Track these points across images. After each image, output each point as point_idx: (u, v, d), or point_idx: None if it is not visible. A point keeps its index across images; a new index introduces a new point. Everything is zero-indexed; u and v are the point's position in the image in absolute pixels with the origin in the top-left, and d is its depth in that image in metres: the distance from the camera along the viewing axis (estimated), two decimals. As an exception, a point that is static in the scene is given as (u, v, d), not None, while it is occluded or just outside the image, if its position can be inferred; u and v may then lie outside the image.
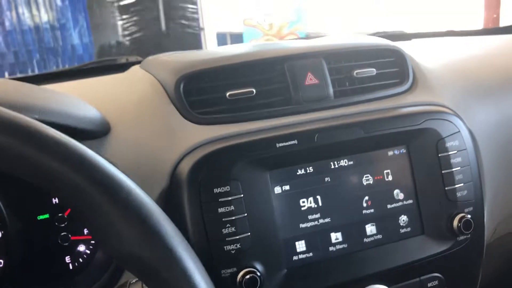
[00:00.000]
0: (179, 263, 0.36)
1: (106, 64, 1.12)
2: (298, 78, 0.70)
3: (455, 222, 0.68)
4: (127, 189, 0.37)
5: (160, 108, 0.67)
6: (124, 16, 6.80)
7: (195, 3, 5.93)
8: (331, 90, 0.71)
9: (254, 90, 0.68)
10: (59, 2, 6.74)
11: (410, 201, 0.69)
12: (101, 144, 0.63)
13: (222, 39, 7.56)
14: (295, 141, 0.64)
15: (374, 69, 0.74)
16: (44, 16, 6.58)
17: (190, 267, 0.37)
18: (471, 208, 0.70)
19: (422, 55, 0.91)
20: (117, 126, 0.65)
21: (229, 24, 7.83)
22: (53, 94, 0.63)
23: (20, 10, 6.38)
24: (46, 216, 0.66)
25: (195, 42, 6.40)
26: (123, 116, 0.67)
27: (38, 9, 6.60)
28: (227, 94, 0.67)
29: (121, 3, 6.71)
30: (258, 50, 0.72)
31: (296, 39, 0.95)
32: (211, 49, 0.83)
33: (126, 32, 6.90)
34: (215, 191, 0.60)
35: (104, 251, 0.66)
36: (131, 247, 0.36)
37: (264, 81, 0.69)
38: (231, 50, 0.75)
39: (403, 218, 0.69)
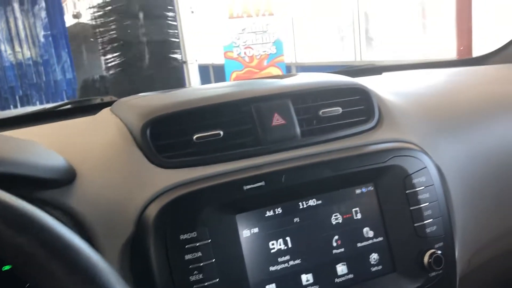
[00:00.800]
0: None
1: (79, 106, 1.11)
2: (265, 119, 0.70)
3: (426, 259, 0.68)
4: (75, 248, 0.36)
5: (127, 153, 0.67)
6: (108, 51, 6.86)
7: (177, 37, 6.00)
8: (298, 130, 0.72)
9: (222, 132, 0.68)
10: (42, 39, 6.76)
11: (380, 239, 0.69)
12: (65, 193, 0.62)
13: (205, 71, 7.65)
14: (263, 183, 0.64)
15: (340, 108, 0.75)
16: (27, 53, 6.59)
17: None
18: (441, 244, 0.70)
19: (390, 90, 0.93)
20: (82, 173, 0.65)
21: (212, 56, 7.93)
22: (14, 143, 0.63)
23: (2, 47, 6.39)
24: (10, 267, 0.65)
25: (178, 75, 6.45)
26: (89, 162, 0.66)
27: (20, 46, 6.61)
28: (194, 137, 0.67)
29: (105, 39, 6.78)
30: (226, 92, 0.73)
31: (266, 78, 0.96)
32: (180, 91, 0.83)
33: (109, 67, 6.94)
34: (181, 238, 0.59)
35: None
36: None
37: (232, 123, 0.70)
38: (199, 92, 0.75)
39: (374, 256, 0.68)
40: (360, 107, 0.77)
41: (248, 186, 0.63)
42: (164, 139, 0.67)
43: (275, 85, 0.76)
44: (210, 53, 7.99)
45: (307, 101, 0.74)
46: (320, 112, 0.74)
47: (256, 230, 0.64)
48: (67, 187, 0.63)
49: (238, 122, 0.70)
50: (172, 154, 0.66)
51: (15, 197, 0.37)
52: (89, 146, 0.70)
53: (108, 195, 0.63)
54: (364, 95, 0.78)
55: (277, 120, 0.71)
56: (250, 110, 0.71)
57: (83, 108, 1.09)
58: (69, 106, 1.11)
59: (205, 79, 7.49)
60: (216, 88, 0.80)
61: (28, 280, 0.35)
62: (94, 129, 0.77)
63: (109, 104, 0.93)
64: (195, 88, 0.85)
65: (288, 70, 5.54)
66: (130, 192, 0.63)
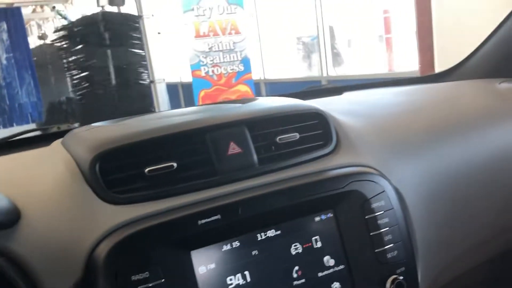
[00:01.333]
0: None
1: (33, 136, 1.07)
2: (220, 149, 0.69)
3: (388, 285, 0.67)
4: None
5: (75, 190, 0.64)
6: (74, 73, 6.75)
7: (144, 57, 5.96)
8: (255, 158, 0.70)
9: (175, 164, 0.66)
10: (4, 61, 6.60)
11: (341, 267, 0.68)
12: (7, 236, 0.58)
13: (174, 89, 7.61)
14: (218, 216, 0.62)
15: (297, 134, 0.74)
16: (-11, 76, 6.41)
17: None
18: (403, 269, 0.69)
19: (349, 111, 0.93)
20: (27, 213, 0.61)
21: (180, 75, 7.91)
22: None
23: (-37, 71, 6.21)
24: None
25: (145, 95, 6.39)
26: (35, 202, 0.63)
27: (-18, 68, 6.43)
28: (146, 170, 0.65)
29: (71, 60, 6.68)
30: (180, 122, 0.71)
31: (226, 102, 0.95)
32: (135, 120, 0.81)
33: (76, 88, 6.82)
34: (132, 279, 0.56)
35: None
36: None
37: (185, 153, 0.68)
38: (153, 122, 0.73)
39: (336, 286, 0.67)
40: (317, 131, 0.77)
41: (203, 221, 0.61)
42: (115, 173, 0.65)
43: (231, 112, 0.75)
44: (178, 72, 7.98)
45: (264, 127, 0.73)
46: (277, 139, 0.72)
47: (212, 265, 0.61)
48: (10, 230, 0.59)
49: (192, 152, 0.68)
50: (123, 189, 0.64)
51: None
52: (36, 183, 0.67)
53: (54, 236, 0.60)
54: (321, 119, 0.77)
55: (233, 148, 0.69)
56: (205, 139, 0.69)
57: (38, 138, 1.05)
58: (22, 136, 1.07)
59: (174, 98, 7.45)
60: (171, 117, 0.78)
61: None
62: (43, 165, 0.73)
63: (65, 133, 0.90)
64: (150, 116, 0.82)
65: (257, 87, 5.57)
66: (78, 232, 0.60)
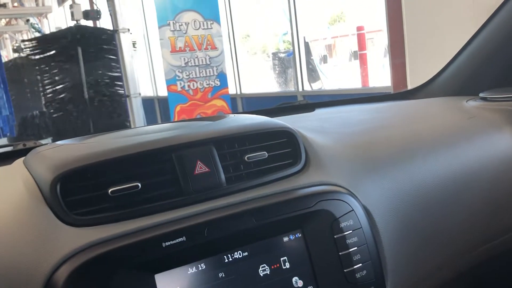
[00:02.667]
0: None
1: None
2: (187, 168, 0.67)
3: None
4: None
5: (34, 212, 0.61)
6: (47, 87, 6.63)
7: (119, 72, 5.91)
8: (223, 178, 0.69)
9: (140, 184, 0.64)
10: (-25, 75, 6.44)
11: None
12: None
13: (150, 104, 7.56)
14: (183, 238, 0.60)
15: (266, 152, 0.73)
16: (-41, 90, 6.25)
17: None
18: None
19: (319, 129, 0.93)
20: None
21: (157, 89, 7.87)
22: None
23: None
24: None
25: (120, 109, 6.33)
26: None
27: (-49, 83, 6.27)
28: (110, 190, 0.63)
29: (44, 74, 6.56)
30: (145, 141, 0.69)
31: (195, 120, 0.94)
32: (100, 138, 0.79)
33: (50, 102, 6.70)
34: None
35: None
36: None
37: (151, 173, 0.66)
38: (117, 141, 0.71)
39: (305, 307, 0.66)
40: (286, 150, 0.76)
41: (168, 243, 0.59)
42: (76, 194, 0.63)
43: (198, 130, 0.73)
44: (155, 86, 7.93)
45: (232, 146, 0.72)
46: (246, 157, 0.72)
47: None
48: None
49: (158, 172, 0.67)
50: (85, 211, 0.62)
51: None
52: None
53: (11, 261, 0.57)
54: (290, 137, 0.77)
55: (200, 168, 0.68)
56: (171, 158, 0.67)
57: (1, 155, 1.01)
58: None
59: (151, 112, 7.39)
60: (137, 135, 0.76)
61: None
62: (2, 185, 0.70)
63: (32, 148, 0.87)
64: (116, 134, 0.81)
65: (233, 102, 5.57)
66: (37, 256, 0.57)
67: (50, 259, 0.57)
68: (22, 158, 0.81)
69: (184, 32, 4.34)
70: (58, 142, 0.84)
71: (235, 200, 0.68)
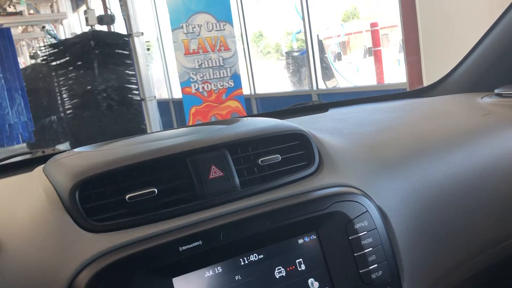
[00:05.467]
0: None
1: (17, 161, 1.06)
2: (202, 173, 0.68)
3: None
4: None
5: (54, 219, 0.63)
6: (64, 92, 6.74)
7: (134, 75, 5.97)
8: (237, 181, 0.70)
9: (156, 190, 0.65)
10: (-6, 81, 6.58)
11: None
12: None
13: (165, 106, 7.61)
14: (200, 242, 0.61)
15: (279, 155, 0.74)
16: (-22, 98, 6.38)
17: None
18: None
19: (333, 130, 0.93)
20: (5, 244, 0.60)
21: (172, 91, 7.93)
22: None
23: (-48, 92, 6.17)
24: None
25: (136, 113, 6.39)
26: (14, 232, 0.62)
27: (-29, 90, 6.41)
28: (127, 196, 0.64)
29: (61, 79, 6.67)
30: (159, 147, 0.71)
31: (209, 123, 0.95)
32: (115, 145, 0.80)
33: (67, 108, 6.80)
34: None
35: None
36: None
37: (166, 179, 0.67)
38: (133, 148, 0.73)
39: (321, 308, 0.66)
40: (300, 152, 0.77)
41: (185, 247, 0.60)
42: (95, 201, 0.64)
43: (212, 135, 0.74)
44: (169, 89, 7.99)
45: (245, 150, 0.73)
46: (259, 161, 0.72)
47: None
48: None
49: (173, 177, 0.68)
50: (103, 217, 0.63)
51: None
52: (15, 212, 0.66)
53: (33, 267, 0.59)
54: (303, 140, 0.77)
55: (215, 172, 0.69)
56: (186, 164, 0.68)
57: (22, 163, 1.04)
58: (5, 162, 1.06)
59: (166, 114, 7.45)
60: (154, 141, 0.77)
61: None
62: (23, 193, 0.72)
63: (51, 155, 0.89)
64: (133, 140, 0.82)
65: (247, 102, 5.58)
66: (57, 262, 0.59)
67: (71, 265, 0.59)
68: (42, 166, 0.83)
69: (197, 34, 4.36)
70: (76, 150, 0.86)
71: (250, 203, 0.68)
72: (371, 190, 0.75)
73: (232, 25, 4.59)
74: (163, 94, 8.02)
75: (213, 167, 0.69)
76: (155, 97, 5.42)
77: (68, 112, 6.92)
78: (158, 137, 0.83)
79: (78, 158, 0.73)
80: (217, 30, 4.45)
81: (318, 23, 5.34)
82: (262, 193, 0.70)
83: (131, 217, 0.64)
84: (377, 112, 1.14)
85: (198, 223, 0.64)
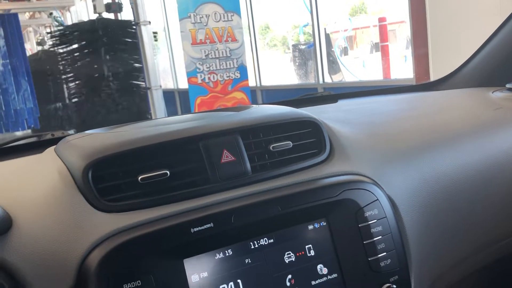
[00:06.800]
0: None
1: (27, 143, 1.07)
2: (214, 157, 0.69)
3: None
4: None
5: (67, 198, 0.63)
6: (70, 79, 6.75)
7: (140, 64, 5.97)
8: (248, 166, 0.70)
9: (168, 172, 0.66)
10: (0, 67, 6.59)
11: (335, 275, 0.67)
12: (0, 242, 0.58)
13: (170, 96, 7.61)
14: (211, 224, 0.62)
15: (290, 142, 0.74)
16: (-16, 82, 6.40)
17: None
18: (396, 277, 0.69)
19: (343, 119, 0.93)
20: (19, 221, 0.61)
21: (178, 81, 7.92)
22: None
23: (-41, 77, 6.19)
24: None
25: (142, 102, 6.39)
26: (27, 209, 0.62)
27: (-23, 75, 6.42)
28: (139, 178, 0.65)
29: (67, 66, 6.67)
30: (173, 130, 0.71)
31: (220, 110, 0.95)
32: (129, 127, 0.81)
33: (72, 94, 6.82)
34: (124, 287, 0.56)
35: None
36: None
37: (179, 161, 0.68)
38: (147, 129, 0.73)
39: (329, 294, 0.67)
40: (311, 140, 0.77)
41: (196, 229, 0.61)
42: (107, 181, 0.65)
43: (224, 120, 0.75)
44: (175, 79, 7.99)
45: (257, 136, 0.73)
46: (271, 147, 0.73)
47: (205, 274, 0.61)
48: (1, 238, 0.59)
49: (185, 160, 0.68)
50: (116, 197, 0.64)
51: None
52: (28, 191, 0.67)
53: (46, 245, 0.59)
54: (315, 127, 0.78)
55: (227, 156, 0.69)
56: (198, 147, 0.69)
57: (31, 145, 1.05)
58: (16, 143, 1.07)
59: (171, 104, 7.45)
60: (164, 125, 0.78)
61: None
62: (36, 172, 0.73)
63: (60, 138, 0.89)
64: (144, 124, 0.82)
65: (253, 94, 5.58)
66: (70, 241, 0.60)
67: (83, 243, 0.59)
68: (53, 147, 0.83)
69: (205, 24, 4.35)
70: (87, 132, 0.86)
71: (261, 188, 0.69)
72: (382, 180, 0.75)
73: (240, 16, 4.58)
74: (169, 84, 8.01)
75: (225, 151, 0.69)
76: (160, 86, 5.42)
77: (73, 99, 6.93)
78: (169, 121, 0.83)
79: (90, 139, 0.73)
80: (224, 21, 4.44)
81: (326, 17, 5.32)
82: (273, 179, 0.71)
83: (144, 198, 0.64)
84: (387, 103, 1.14)
85: (210, 206, 0.65)
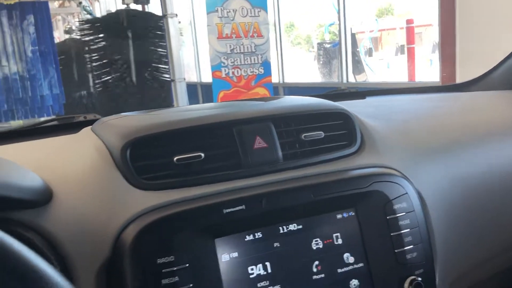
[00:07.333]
0: None
1: (60, 124, 1.10)
2: (247, 142, 0.70)
3: (406, 285, 0.68)
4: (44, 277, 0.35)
5: (105, 174, 0.66)
6: (96, 68, 6.85)
7: (165, 56, 6.03)
8: (280, 154, 0.71)
9: (203, 155, 0.68)
10: (29, 54, 6.72)
11: (361, 265, 0.68)
12: (40, 214, 0.60)
13: (193, 89, 7.67)
14: (243, 206, 0.63)
15: (322, 132, 0.75)
16: (14, 67, 6.54)
17: None
18: (421, 270, 0.70)
19: (372, 115, 0.93)
20: (59, 193, 0.63)
21: (201, 75, 7.97)
22: None
23: (-12, 61, 6.33)
24: None
25: (165, 93, 6.46)
26: (67, 183, 0.65)
27: (7, 60, 6.56)
28: (175, 158, 0.66)
29: (93, 55, 6.77)
30: (208, 114, 0.73)
31: (250, 99, 0.96)
32: (163, 111, 0.83)
33: (97, 84, 6.92)
34: (158, 262, 0.58)
35: None
36: None
37: (213, 145, 0.69)
38: (182, 113, 0.75)
39: (354, 283, 0.68)
40: (342, 131, 0.78)
41: (228, 210, 0.63)
42: (144, 160, 0.67)
43: (258, 107, 0.76)
44: (198, 72, 8.04)
45: (289, 124, 0.74)
46: (302, 136, 0.74)
47: (235, 254, 0.63)
48: (42, 208, 0.61)
49: (219, 144, 0.70)
50: (152, 176, 0.66)
51: None
52: (68, 166, 0.69)
53: (84, 217, 0.62)
54: (346, 119, 0.78)
55: (259, 143, 0.71)
56: (232, 132, 0.70)
57: (65, 126, 1.08)
58: (50, 123, 1.10)
59: (193, 97, 7.51)
60: (199, 110, 0.80)
61: None
62: (74, 149, 0.75)
63: (91, 122, 0.92)
64: (179, 109, 0.84)
65: (275, 91, 5.58)
66: (108, 214, 0.62)
67: (120, 218, 0.61)
68: (89, 127, 0.86)
69: (232, 19, 4.36)
70: (122, 114, 0.89)
71: (292, 175, 0.70)
72: (411, 174, 0.76)
73: (267, 12, 4.58)
74: (192, 78, 8.07)
75: (257, 138, 0.71)
76: (184, 79, 5.46)
77: (98, 88, 7.03)
78: (202, 107, 0.85)
79: (128, 120, 0.76)
80: (251, 16, 4.44)
81: (352, 17, 5.28)
82: (303, 167, 0.72)
83: (178, 178, 0.66)
84: (416, 101, 1.14)
85: (242, 189, 0.66)
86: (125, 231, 0.60)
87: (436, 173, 0.81)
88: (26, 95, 6.77)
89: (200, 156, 0.67)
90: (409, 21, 5.05)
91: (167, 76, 6.20)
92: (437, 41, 3.84)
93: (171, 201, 0.63)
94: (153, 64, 6.46)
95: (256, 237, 0.64)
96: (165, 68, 6.30)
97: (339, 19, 4.96)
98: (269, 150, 0.71)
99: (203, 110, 0.79)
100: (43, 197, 0.62)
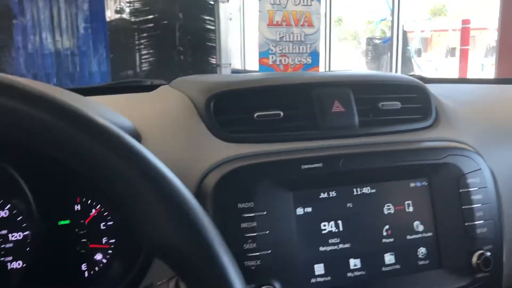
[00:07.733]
0: (217, 259, 0.37)
1: (133, 85, 1.15)
2: (325, 105, 0.72)
3: (474, 259, 0.68)
4: (172, 183, 0.38)
5: (190, 124, 0.69)
6: (143, 49, 6.99)
7: (213, 41, 6.10)
8: (356, 119, 0.73)
9: (282, 113, 0.70)
10: (82, 30, 6.93)
11: (430, 234, 0.69)
12: None
13: (236, 76, 7.71)
14: (320, 164, 0.65)
15: (399, 103, 0.76)
16: (66, 42, 6.76)
17: (226, 264, 0.38)
18: (490, 246, 0.70)
19: (443, 94, 0.93)
20: (147, 138, 0.67)
21: (246, 63, 8.01)
22: (96, 104, 0.66)
23: (43, 35, 6.56)
24: (68, 222, 0.67)
25: (210, 78, 6.53)
26: (153, 129, 0.69)
27: (61, 35, 6.78)
28: (255, 115, 0.69)
29: (142, 36, 6.92)
30: (288, 76, 0.75)
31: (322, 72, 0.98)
32: (241, 74, 0.85)
33: (144, 64, 7.07)
34: (239, 206, 0.61)
35: (144, 245, 0.66)
36: (170, 238, 0.37)
37: (292, 105, 0.71)
38: (262, 74, 0.77)
39: (422, 250, 0.69)
40: (418, 104, 0.78)
41: (306, 166, 0.64)
42: (226, 114, 0.69)
43: (337, 74, 0.78)
44: (243, 59, 8.08)
45: (367, 92, 0.75)
46: (380, 104, 0.75)
47: (309, 209, 0.65)
48: None
49: (298, 105, 0.72)
50: (233, 129, 0.68)
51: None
52: (153, 114, 0.73)
53: (170, 161, 0.64)
54: (423, 93, 0.79)
55: (337, 107, 0.72)
56: (311, 94, 0.72)
57: (138, 87, 1.13)
58: (125, 84, 1.15)
59: (235, 84, 7.55)
60: (278, 73, 0.82)
61: (121, 204, 0.37)
62: (157, 101, 0.79)
63: (159, 86, 0.96)
64: (256, 74, 0.87)
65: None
66: (192, 160, 0.65)
67: (205, 163, 0.64)
68: (166, 85, 0.89)
69: (284, 6, 4.37)
70: (197, 75, 0.92)
71: (368, 141, 0.71)
72: (484, 151, 0.76)
73: (320, 2, 4.56)
74: (236, 65, 8.13)
75: (335, 101, 0.72)
76: (230, 64, 5.51)
77: (144, 68, 7.18)
78: (277, 74, 0.87)
79: (209, 77, 0.79)
80: (303, 5, 4.43)
81: (405, 14, 5.18)
82: (379, 135, 0.73)
83: (258, 133, 0.69)
84: (483, 89, 1.12)
85: (320, 148, 0.68)
86: (208, 176, 0.63)
87: (509, 155, 0.80)
88: (75, 71, 7.00)
89: (279, 114, 0.69)
90: (465, 22, 4.90)
91: (213, 60, 6.27)
92: (491, 45, 3.72)
93: (252, 153, 0.66)
94: (200, 47, 6.54)
95: (331, 195, 0.66)
96: (212, 52, 6.37)
97: (392, 15, 4.88)
98: (346, 114, 0.72)
99: (280, 75, 0.81)
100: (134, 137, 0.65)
